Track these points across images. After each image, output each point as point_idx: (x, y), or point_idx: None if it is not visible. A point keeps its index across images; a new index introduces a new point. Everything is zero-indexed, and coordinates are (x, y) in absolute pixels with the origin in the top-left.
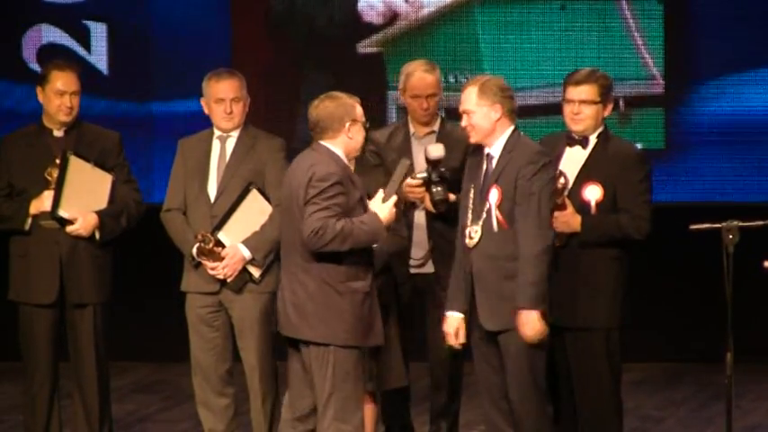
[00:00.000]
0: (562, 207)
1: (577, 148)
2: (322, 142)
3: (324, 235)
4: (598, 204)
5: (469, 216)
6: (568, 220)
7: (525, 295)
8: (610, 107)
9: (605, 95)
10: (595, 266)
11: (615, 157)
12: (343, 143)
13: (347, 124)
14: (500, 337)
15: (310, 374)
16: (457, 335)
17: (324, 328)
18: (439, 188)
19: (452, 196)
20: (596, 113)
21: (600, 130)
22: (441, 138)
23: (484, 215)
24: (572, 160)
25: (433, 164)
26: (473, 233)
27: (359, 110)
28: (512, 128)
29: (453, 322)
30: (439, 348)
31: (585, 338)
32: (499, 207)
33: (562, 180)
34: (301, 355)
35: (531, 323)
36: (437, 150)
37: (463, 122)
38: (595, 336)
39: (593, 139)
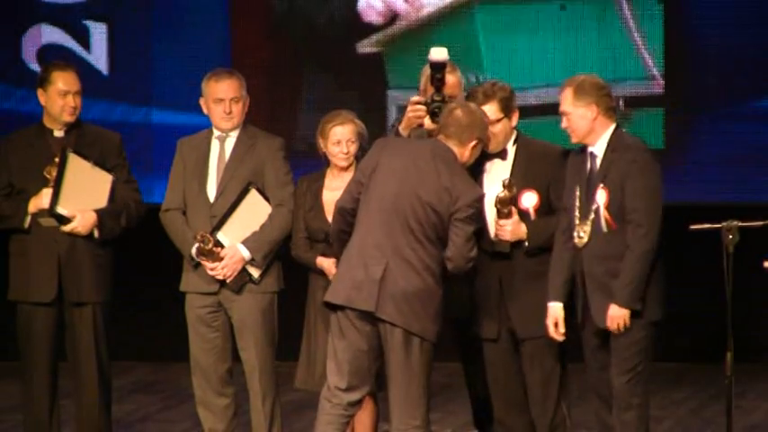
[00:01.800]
0: (508, 215)
1: (496, 160)
2: (445, 142)
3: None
4: (536, 210)
5: (576, 215)
6: (514, 228)
7: (621, 294)
8: (516, 115)
9: (507, 108)
10: (547, 273)
11: (541, 159)
12: (460, 153)
13: (473, 142)
14: (608, 332)
15: (373, 363)
16: (557, 325)
17: (429, 323)
18: (438, 103)
19: None
20: (504, 128)
21: (513, 136)
22: None
23: (592, 215)
24: (496, 173)
25: (433, 66)
26: (582, 233)
27: (488, 133)
28: (613, 126)
29: (554, 312)
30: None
31: (538, 346)
32: (607, 207)
33: (512, 189)
34: (371, 341)
35: (617, 318)
36: (439, 53)
37: (563, 124)
38: (547, 343)
39: (510, 148)
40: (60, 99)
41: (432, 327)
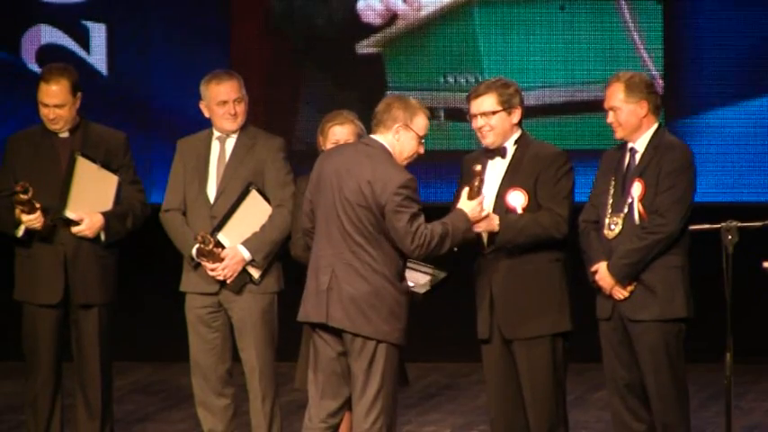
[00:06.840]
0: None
1: (497, 159)
2: (374, 136)
3: (431, 243)
4: (524, 210)
5: (609, 208)
6: (489, 223)
7: (615, 263)
8: (517, 112)
9: (507, 102)
10: (536, 272)
11: (534, 160)
12: (390, 143)
13: (396, 125)
14: (636, 327)
15: (346, 368)
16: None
17: (383, 325)
18: None
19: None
20: (501, 122)
21: (516, 136)
22: None
23: (626, 209)
24: (494, 171)
25: None
26: (613, 225)
27: (418, 122)
28: (656, 124)
29: (604, 270)
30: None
31: (531, 347)
32: (641, 200)
33: (479, 175)
34: (338, 347)
35: (604, 281)
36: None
37: (609, 119)
38: (540, 344)
39: (510, 147)
40: (42, 108)
41: (385, 327)
